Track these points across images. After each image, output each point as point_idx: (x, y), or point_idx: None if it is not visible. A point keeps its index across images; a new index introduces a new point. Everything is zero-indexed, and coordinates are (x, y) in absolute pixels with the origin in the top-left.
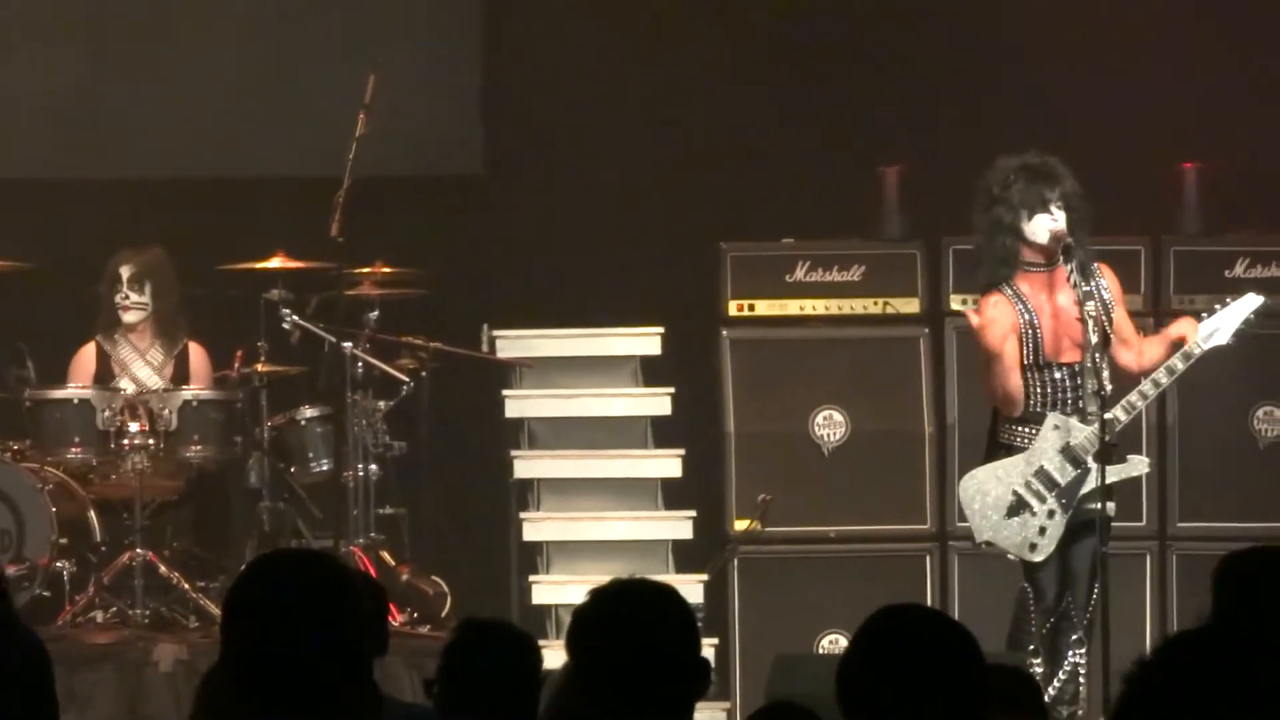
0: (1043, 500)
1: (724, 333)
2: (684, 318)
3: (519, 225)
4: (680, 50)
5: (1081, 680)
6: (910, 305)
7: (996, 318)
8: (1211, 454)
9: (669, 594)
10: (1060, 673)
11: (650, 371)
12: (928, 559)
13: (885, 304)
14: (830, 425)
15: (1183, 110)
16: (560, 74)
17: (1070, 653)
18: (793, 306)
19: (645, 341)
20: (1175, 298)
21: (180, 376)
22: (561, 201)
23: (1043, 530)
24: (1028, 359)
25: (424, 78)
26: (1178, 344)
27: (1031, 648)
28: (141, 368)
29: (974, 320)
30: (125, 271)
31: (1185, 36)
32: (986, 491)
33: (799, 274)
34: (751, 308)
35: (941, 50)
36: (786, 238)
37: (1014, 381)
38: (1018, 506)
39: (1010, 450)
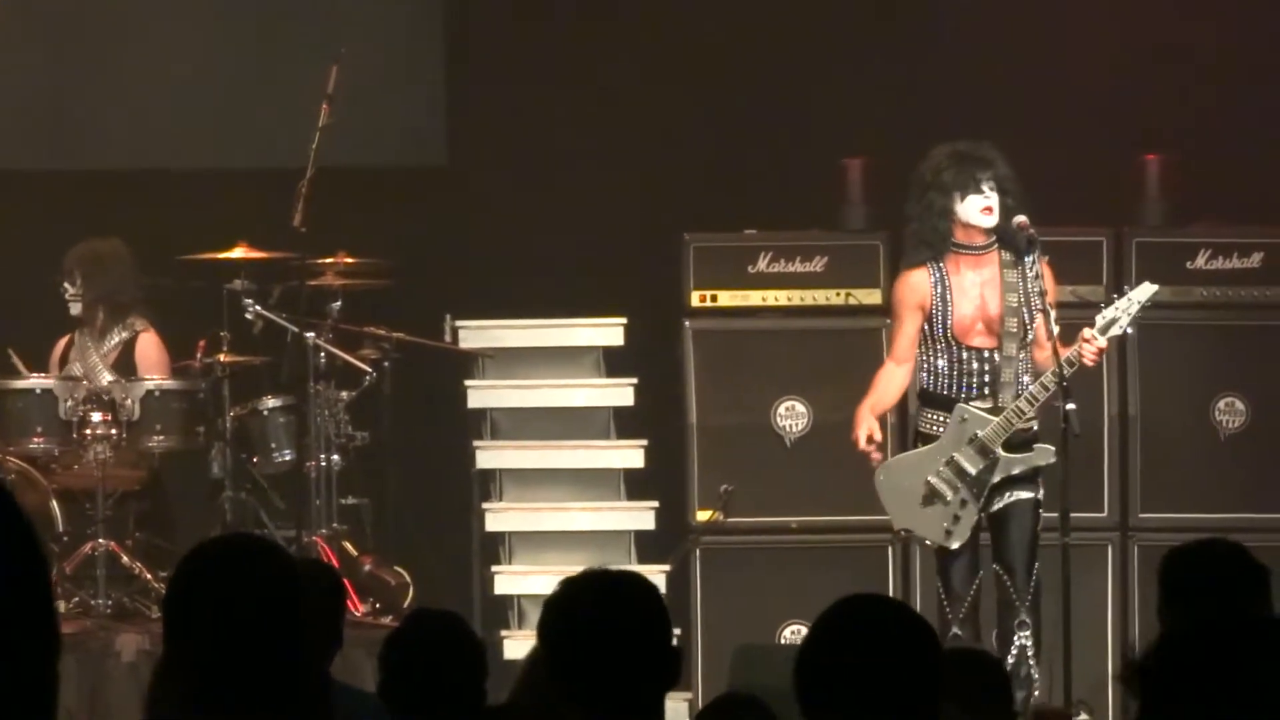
0: (955, 490)
1: (686, 323)
2: (647, 308)
3: (482, 216)
4: (643, 42)
5: (1031, 661)
6: (872, 296)
7: (903, 298)
8: (1173, 445)
9: (641, 583)
10: (1009, 657)
11: (613, 362)
12: (889, 550)
13: (847, 295)
14: (792, 416)
15: (1144, 102)
16: (523, 64)
17: (1016, 636)
18: (755, 297)
19: (608, 332)
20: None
21: (124, 365)
22: (524, 192)
23: (956, 519)
24: (937, 333)
25: (387, 68)
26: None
27: (953, 633)
28: (90, 356)
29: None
30: (66, 263)
31: (1147, 27)
32: (899, 482)
33: (761, 265)
34: (714, 298)
35: (903, 42)
36: (749, 229)
37: (901, 348)
38: (931, 496)
39: (923, 436)
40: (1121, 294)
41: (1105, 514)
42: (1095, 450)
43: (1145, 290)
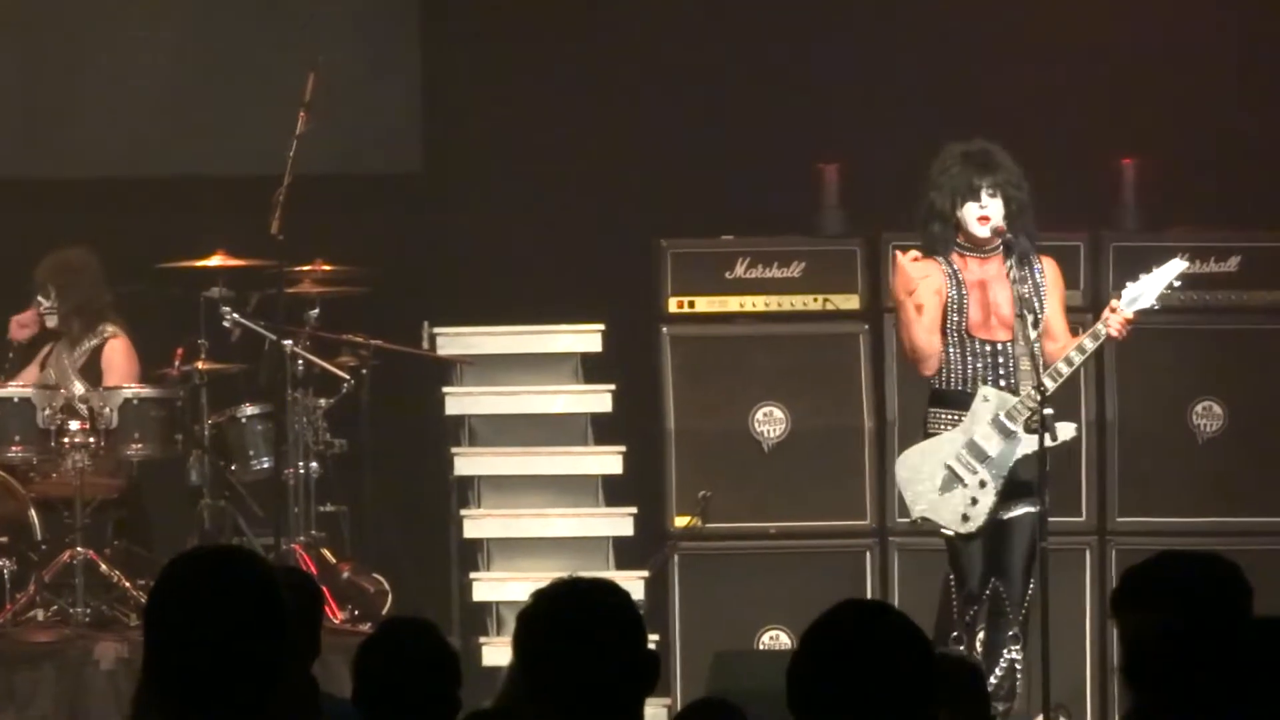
0: (974, 472)
1: (664, 329)
2: (624, 314)
3: (459, 223)
4: (619, 48)
5: (1018, 676)
6: (850, 301)
7: (906, 269)
8: (1150, 449)
9: (611, 589)
10: (997, 669)
11: (591, 368)
12: (868, 555)
13: (825, 300)
14: (770, 421)
15: (1122, 105)
16: (499, 71)
17: (1006, 649)
18: (732, 303)
19: (586, 338)
20: (1114, 293)
21: (91, 371)
22: (501, 199)
23: (974, 501)
24: (952, 327)
25: (364, 75)
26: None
27: (954, 634)
28: (62, 363)
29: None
30: (38, 277)
31: (1124, 31)
32: (920, 468)
33: (739, 270)
34: (691, 304)
35: (880, 46)
36: (726, 234)
37: (920, 336)
38: (951, 480)
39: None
40: (1149, 271)
41: (1083, 518)
42: (1073, 454)
43: (1174, 266)
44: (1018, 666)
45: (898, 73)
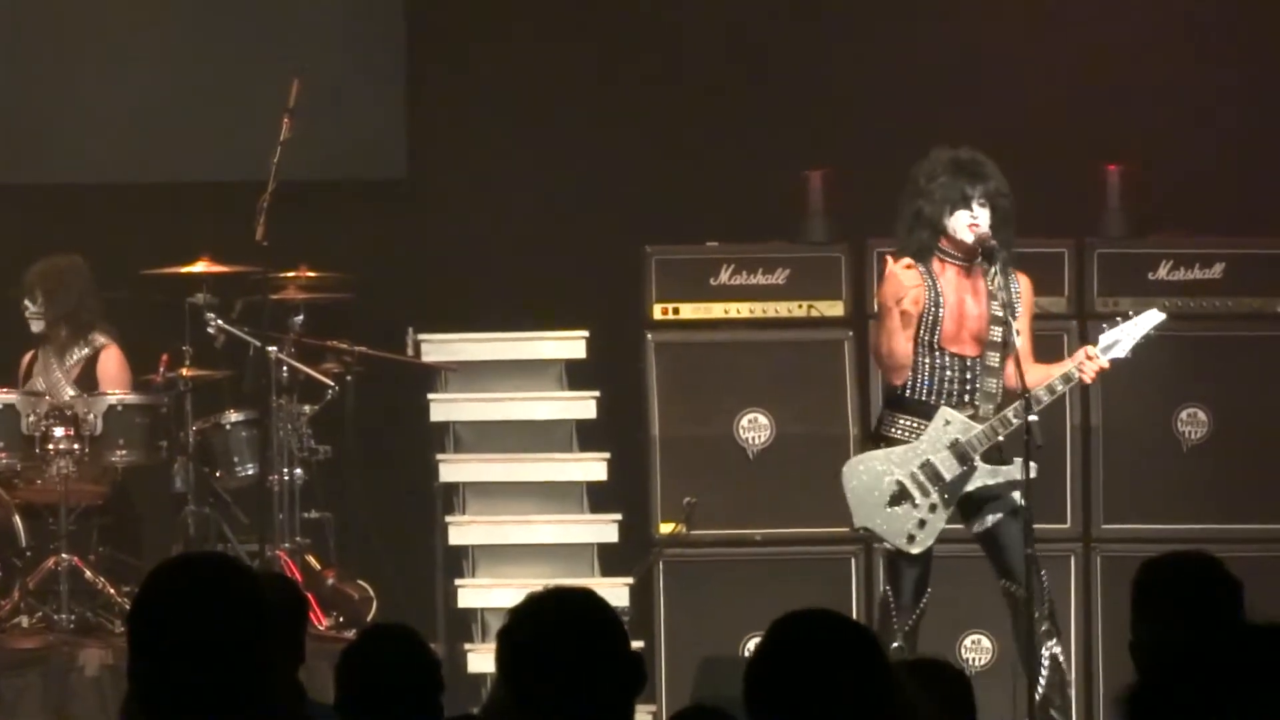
0: (926, 494)
1: (649, 336)
2: (609, 321)
3: (443, 229)
4: (603, 54)
5: (1063, 666)
6: (835, 308)
7: (899, 277)
8: (1135, 456)
9: (588, 596)
10: (1042, 670)
11: (575, 375)
12: (852, 561)
13: (810, 307)
14: (755, 428)
15: (1106, 112)
16: (483, 77)
17: (1045, 646)
18: (717, 310)
19: (570, 345)
20: (1099, 300)
21: (87, 381)
22: (486, 205)
23: (922, 523)
24: (923, 336)
25: (348, 81)
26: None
27: (896, 645)
28: (53, 372)
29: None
30: (26, 281)
31: (1109, 38)
32: (868, 477)
33: (724, 277)
34: (676, 311)
35: (865, 54)
36: (711, 241)
37: (901, 345)
38: (900, 496)
39: (889, 441)
40: (1127, 317)
41: (1068, 525)
42: (1058, 461)
43: (1152, 317)
44: (1060, 659)
45: (883, 80)
